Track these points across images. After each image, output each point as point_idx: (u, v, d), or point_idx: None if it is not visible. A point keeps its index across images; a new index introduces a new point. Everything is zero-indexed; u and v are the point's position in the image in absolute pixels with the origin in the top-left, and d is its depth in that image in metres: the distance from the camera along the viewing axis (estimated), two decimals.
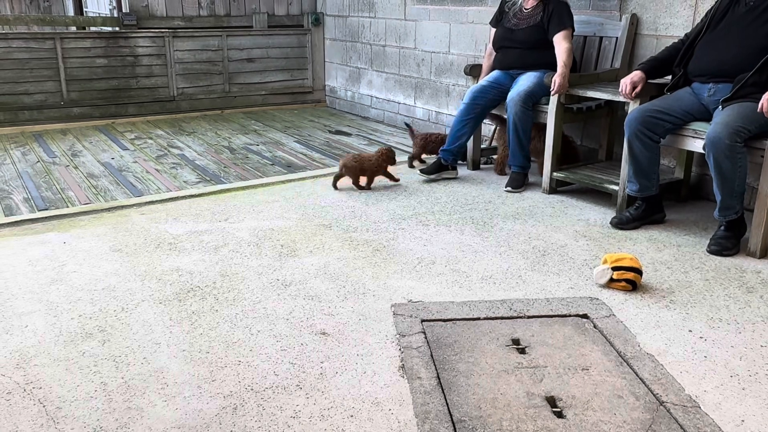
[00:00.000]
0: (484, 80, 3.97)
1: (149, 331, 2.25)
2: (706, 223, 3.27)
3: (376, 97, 6.23)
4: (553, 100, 3.60)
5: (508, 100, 3.73)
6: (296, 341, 2.18)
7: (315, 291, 2.55)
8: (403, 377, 1.97)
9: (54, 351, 2.12)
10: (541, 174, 3.84)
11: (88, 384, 1.95)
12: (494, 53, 4.03)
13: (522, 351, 2.11)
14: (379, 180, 3.96)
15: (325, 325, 2.28)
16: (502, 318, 2.31)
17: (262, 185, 3.99)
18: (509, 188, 3.78)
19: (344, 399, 1.87)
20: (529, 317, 2.32)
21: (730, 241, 2.91)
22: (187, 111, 6.40)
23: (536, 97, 3.71)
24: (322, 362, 2.05)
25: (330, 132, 5.76)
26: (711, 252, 2.90)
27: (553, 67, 3.65)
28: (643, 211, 3.23)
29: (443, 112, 5.40)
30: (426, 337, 2.18)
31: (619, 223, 3.22)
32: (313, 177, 4.17)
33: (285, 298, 2.48)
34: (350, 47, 6.46)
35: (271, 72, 6.76)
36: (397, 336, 2.19)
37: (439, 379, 1.95)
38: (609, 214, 3.39)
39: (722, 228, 2.95)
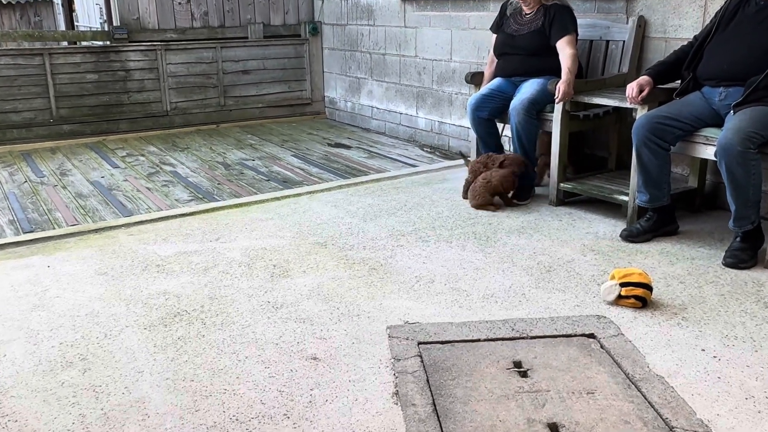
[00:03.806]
0: (484, 89, 3.97)
1: (132, 358, 2.24)
2: (721, 234, 3.23)
3: (377, 108, 6.25)
4: (558, 107, 3.59)
5: (510, 108, 3.72)
6: (285, 367, 2.16)
7: (307, 313, 2.54)
8: (396, 404, 1.94)
9: (32, 381, 2.12)
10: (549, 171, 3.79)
11: (66, 416, 1.94)
12: (496, 60, 4.04)
13: (524, 374, 2.09)
14: (377, 190, 3.94)
15: (316, 349, 2.27)
16: (503, 339, 2.29)
17: (256, 202, 4.00)
18: (514, 200, 3.77)
19: (334, 428, 1.85)
20: (531, 338, 2.30)
21: (746, 253, 2.87)
22: (181, 126, 6.44)
23: (540, 104, 3.70)
24: (311, 389, 2.04)
25: (329, 145, 5.78)
26: (726, 265, 2.87)
27: (557, 74, 3.65)
28: (654, 223, 3.20)
29: (446, 121, 5.40)
30: (422, 361, 2.16)
31: (630, 236, 3.19)
32: (310, 192, 4.17)
33: (275, 322, 2.47)
34: (349, 56, 6.49)
35: (267, 84, 6.80)
36: (392, 360, 2.17)
37: (434, 405, 1.93)
38: (619, 226, 3.37)
39: (738, 239, 2.92)
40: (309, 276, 2.88)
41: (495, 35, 4.05)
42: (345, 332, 2.38)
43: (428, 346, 2.26)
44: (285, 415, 1.92)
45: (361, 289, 2.74)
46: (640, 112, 3.19)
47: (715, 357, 2.18)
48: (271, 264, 3.02)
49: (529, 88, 3.73)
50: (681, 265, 2.90)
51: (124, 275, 2.93)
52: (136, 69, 6.17)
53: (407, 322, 2.44)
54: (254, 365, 2.18)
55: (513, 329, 2.36)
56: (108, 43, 6.18)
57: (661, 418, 1.86)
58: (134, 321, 2.51)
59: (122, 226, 3.61)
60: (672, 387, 2.00)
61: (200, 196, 4.28)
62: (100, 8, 6.61)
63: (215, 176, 4.78)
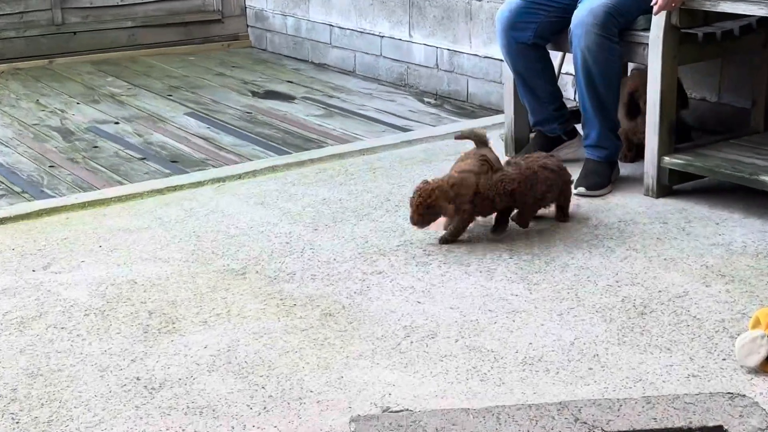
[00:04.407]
0: None
1: None
2: None
3: (339, 27, 6.27)
4: (659, 21, 3.61)
5: (573, 23, 3.76)
6: None
7: (208, 398, 2.53)
8: None
9: None
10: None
11: None
12: None
13: None
14: (339, 173, 3.94)
15: None
16: None
17: (120, 199, 4.02)
18: (582, 189, 3.81)
19: None
20: None
21: None
22: None
23: (625, 16, 3.74)
24: None
25: (255, 95, 5.80)
26: None
27: None
28: None
29: (462, 51, 5.42)
30: None
31: None
32: (218, 180, 4.21)
33: (149, 414, 2.47)
34: None
35: None
36: None
37: None
38: None
39: None
40: (213, 330, 2.88)
41: None
42: (275, 430, 2.38)
43: None
44: None
45: (307, 351, 2.74)
46: None
47: None
48: (144, 310, 3.02)
49: None
50: None
51: None
52: None
53: (388, 409, 2.44)
54: None
55: (577, 419, 2.35)
56: None
57: None
58: None
59: None
60: None
61: (17, 190, 4.29)
62: None
63: (46, 153, 4.80)
